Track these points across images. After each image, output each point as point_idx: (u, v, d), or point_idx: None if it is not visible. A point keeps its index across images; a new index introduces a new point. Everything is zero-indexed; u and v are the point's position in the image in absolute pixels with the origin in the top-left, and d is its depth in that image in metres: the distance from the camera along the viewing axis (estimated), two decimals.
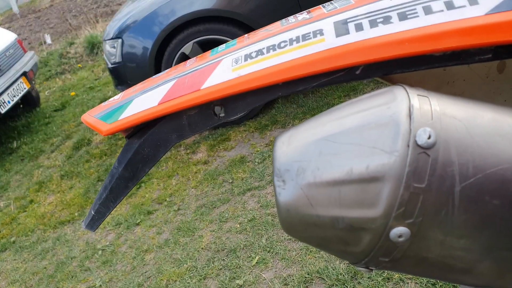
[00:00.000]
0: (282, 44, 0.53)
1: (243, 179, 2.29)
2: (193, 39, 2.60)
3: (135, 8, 2.76)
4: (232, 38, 2.68)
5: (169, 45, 2.62)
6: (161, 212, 2.31)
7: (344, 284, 1.50)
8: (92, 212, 0.61)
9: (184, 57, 2.63)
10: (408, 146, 0.38)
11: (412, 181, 0.38)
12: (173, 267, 1.89)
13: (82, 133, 3.59)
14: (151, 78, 0.66)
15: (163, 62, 2.66)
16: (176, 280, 1.81)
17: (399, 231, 0.39)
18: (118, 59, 2.71)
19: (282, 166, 0.43)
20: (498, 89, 0.69)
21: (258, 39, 0.57)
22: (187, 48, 2.61)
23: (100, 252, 2.20)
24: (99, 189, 2.96)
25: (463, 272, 0.42)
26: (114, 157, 3.09)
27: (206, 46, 2.65)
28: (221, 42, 2.65)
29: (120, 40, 2.67)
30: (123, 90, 3.15)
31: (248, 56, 0.54)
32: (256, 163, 2.38)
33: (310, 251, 1.70)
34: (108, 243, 2.25)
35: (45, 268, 2.25)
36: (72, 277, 2.10)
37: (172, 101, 0.55)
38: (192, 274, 1.81)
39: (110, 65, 2.78)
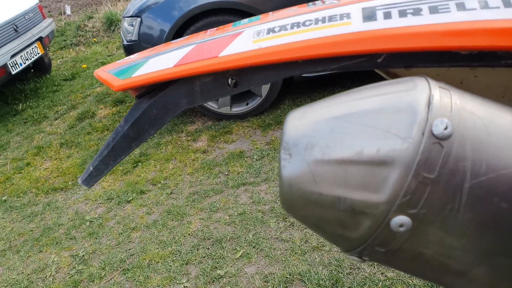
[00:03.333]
0: (307, 23, 0.53)
1: (239, 173, 2.30)
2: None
3: None
4: None
5: (186, 31, 2.63)
6: (154, 194, 2.32)
7: None
8: (91, 168, 0.61)
9: None
10: (423, 134, 0.37)
11: (422, 170, 0.37)
12: (158, 248, 1.90)
13: (88, 105, 3.61)
14: (169, 42, 0.66)
15: None
16: (158, 262, 1.82)
17: (400, 220, 0.38)
18: (134, 37, 2.72)
19: (291, 140, 0.42)
20: None
21: (282, 16, 0.57)
22: None
23: (87, 223, 2.21)
24: None
25: (457, 275, 0.41)
26: None
27: None
28: None
29: (139, 19, 2.68)
30: None
31: (271, 30, 0.53)
32: (254, 160, 2.39)
33: (295, 253, 1.70)
34: (97, 215, 2.26)
35: (31, 230, 2.26)
36: (56, 243, 2.11)
37: (189, 65, 0.54)
38: (175, 258, 1.82)
39: (125, 42, 2.80)
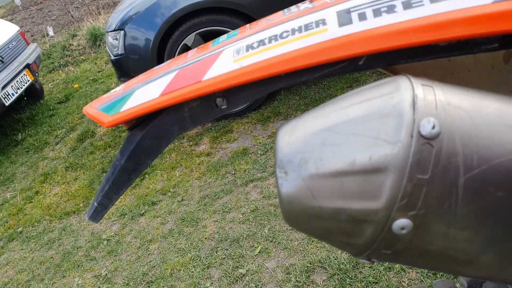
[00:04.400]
0: (284, 34, 0.52)
1: (245, 170, 2.31)
2: (195, 31, 2.59)
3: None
4: (235, 29, 2.67)
5: (171, 36, 2.62)
6: (165, 203, 2.33)
7: (345, 273, 1.53)
8: (95, 204, 0.62)
9: (187, 49, 2.62)
10: (412, 136, 0.37)
11: (415, 172, 0.37)
12: (177, 256, 1.92)
13: (86, 125, 3.61)
14: (152, 69, 0.66)
15: (166, 54, 2.66)
16: (180, 269, 1.85)
17: (401, 223, 0.38)
18: (120, 51, 2.71)
19: (285, 157, 0.42)
20: (503, 80, 0.68)
21: (259, 29, 0.57)
22: (189, 40, 2.61)
23: (105, 242, 2.23)
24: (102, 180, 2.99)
25: (465, 264, 0.41)
26: (118, 149, 3.11)
27: (209, 37, 2.64)
28: (224, 33, 2.63)
29: (122, 32, 2.67)
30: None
31: (249, 47, 0.53)
32: (259, 155, 2.39)
33: (312, 241, 1.72)
34: (113, 233, 2.28)
35: (51, 257, 2.29)
36: (78, 266, 2.13)
37: (174, 93, 0.54)
38: (195, 263, 1.84)
39: (112, 57, 2.79)
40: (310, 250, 1.68)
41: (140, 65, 2.70)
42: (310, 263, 1.62)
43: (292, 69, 0.50)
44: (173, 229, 2.10)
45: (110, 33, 2.77)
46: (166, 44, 2.64)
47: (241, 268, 1.73)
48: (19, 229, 2.65)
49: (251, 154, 2.43)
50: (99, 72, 4.81)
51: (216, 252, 1.86)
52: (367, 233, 0.40)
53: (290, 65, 0.50)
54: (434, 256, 0.41)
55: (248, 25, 0.65)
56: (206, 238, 1.96)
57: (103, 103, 0.60)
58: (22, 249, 2.47)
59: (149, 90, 0.57)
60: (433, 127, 0.37)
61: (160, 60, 2.68)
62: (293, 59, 0.50)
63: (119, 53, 2.72)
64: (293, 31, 0.52)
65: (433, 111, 0.38)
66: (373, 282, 1.45)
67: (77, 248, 2.27)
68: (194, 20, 2.57)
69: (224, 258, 1.81)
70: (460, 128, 0.37)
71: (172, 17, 2.55)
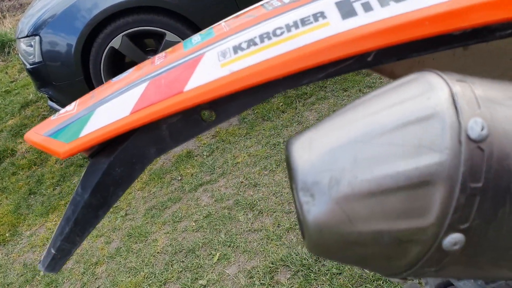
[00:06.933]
0: (278, 31, 0.46)
1: (192, 174, 2.21)
2: (122, 32, 2.42)
3: (51, 1, 2.49)
4: (164, 28, 2.54)
5: (96, 39, 2.41)
6: (107, 220, 2.15)
7: (309, 268, 1.52)
8: (52, 251, 0.50)
9: (114, 52, 2.44)
10: (460, 141, 0.34)
11: (468, 182, 0.34)
12: (129, 276, 1.78)
13: (3, 143, 3.22)
14: (110, 81, 0.55)
15: (91, 58, 2.44)
16: None
17: (453, 238, 0.35)
18: (37, 58, 2.44)
19: (309, 177, 0.36)
20: (463, 66, 0.69)
21: (243, 27, 0.49)
22: (116, 42, 2.43)
23: (41, 273, 1.99)
24: (31, 203, 2.69)
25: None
26: (45, 166, 2.81)
27: (137, 38, 2.48)
28: (152, 33, 2.49)
29: (37, 38, 2.40)
30: (47, 92, 2.83)
31: (238, 48, 0.46)
32: (205, 156, 2.31)
33: (271, 240, 1.69)
34: None
35: None
36: None
37: (148, 109, 0.45)
38: (150, 281, 1.72)
39: (28, 66, 2.50)
40: (270, 250, 1.65)
41: (63, 72, 2.46)
42: (272, 263, 1.59)
43: (293, 71, 0.44)
44: (120, 247, 1.94)
45: (22, 39, 2.48)
46: (90, 48, 2.43)
47: (201, 279, 1.65)
48: None
49: (196, 156, 2.34)
50: (12, 82, 4.32)
51: (171, 266, 1.75)
52: (411, 254, 0.36)
53: (291, 68, 0.44)
54: (481, 266, 0.38)
55: (223, 22, 0.57)
56: (158, 252, 1.84)
57: (54, 127, 0.49)
58: None
59: (115, 107, 0.47)
60: (482, 129, 0.34)
61: (85, 66, 2.46)
62: (293, 60, 0.44)
63: (36, 61, 2.45)
64: (288, 27, 0.46)
65: (477, 110, 0.35)
66: (337, 274, 1.46)
67: (8, 286, 2.00)
68: (119, 21, 2.39)
69: (181, 271, 1.71)
70: (507, 125, 0.35)
71: (94, 20, 2.35)
